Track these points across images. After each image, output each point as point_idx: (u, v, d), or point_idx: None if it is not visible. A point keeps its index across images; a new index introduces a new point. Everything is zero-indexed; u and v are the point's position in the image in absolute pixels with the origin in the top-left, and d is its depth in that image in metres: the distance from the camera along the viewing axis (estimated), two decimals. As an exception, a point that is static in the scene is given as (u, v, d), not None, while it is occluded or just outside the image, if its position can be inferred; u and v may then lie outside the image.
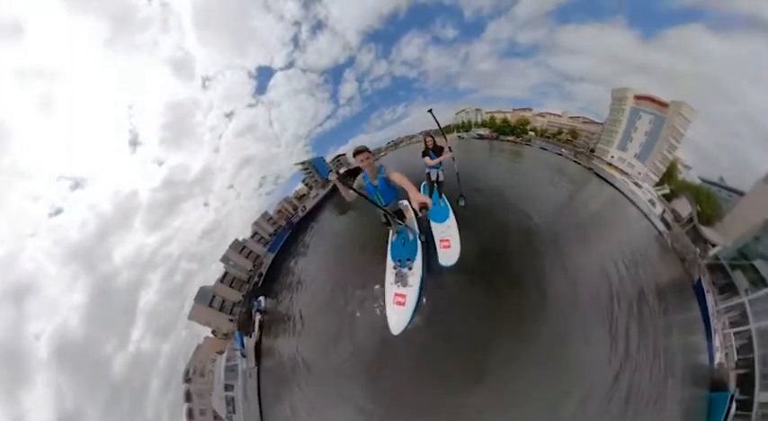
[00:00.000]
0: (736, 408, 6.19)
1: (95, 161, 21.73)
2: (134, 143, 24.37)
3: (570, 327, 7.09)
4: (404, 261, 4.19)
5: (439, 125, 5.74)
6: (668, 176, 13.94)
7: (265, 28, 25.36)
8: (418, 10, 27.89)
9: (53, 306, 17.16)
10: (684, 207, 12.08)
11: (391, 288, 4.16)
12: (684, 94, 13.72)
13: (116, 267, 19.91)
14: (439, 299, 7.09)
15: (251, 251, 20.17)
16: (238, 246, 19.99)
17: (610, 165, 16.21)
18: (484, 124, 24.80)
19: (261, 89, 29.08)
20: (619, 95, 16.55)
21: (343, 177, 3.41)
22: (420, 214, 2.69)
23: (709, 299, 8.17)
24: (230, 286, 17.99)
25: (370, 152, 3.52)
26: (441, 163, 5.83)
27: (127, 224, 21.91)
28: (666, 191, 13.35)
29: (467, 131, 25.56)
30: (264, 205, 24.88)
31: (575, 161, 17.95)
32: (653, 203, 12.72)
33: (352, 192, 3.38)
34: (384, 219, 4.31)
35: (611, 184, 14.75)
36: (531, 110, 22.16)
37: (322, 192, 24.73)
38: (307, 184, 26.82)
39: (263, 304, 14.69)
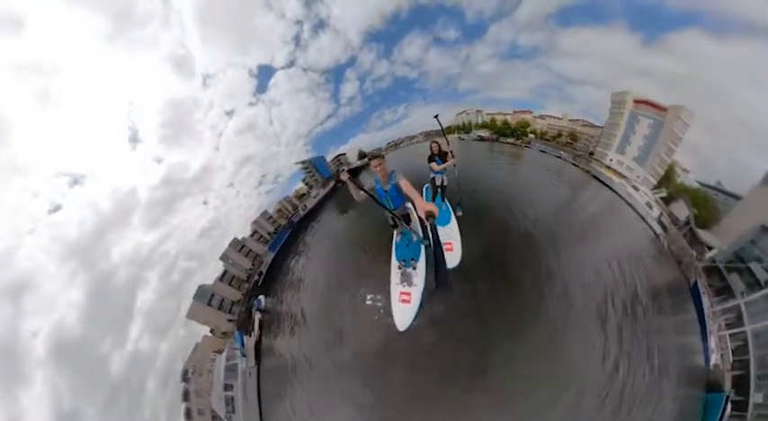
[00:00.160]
0: (732, 409, 6.30)
1: (94, 158, 21.63)
2: (133, 140, 24.27)
3: (567, 328, 7.18)
4: (408, 261, 4.29)
5: (444, 132, 5.81)
6: (666, 180, 14.11)
7: (267, 26, 25.32)
8: (420, 11, 27.98)
9: (51, 303, 17.07)
10: (682, 210, 12.23)
11: (397, 287, 4.26)
12: (684, 98, 13.92)
13: (114, 265, 19.83)
14: (439, 299, 7.14)
15: (250, 250, 20.13)
16: (238, 245, 19.94)
17: (608, 168, 16.37)
18: (484, 126, 24.91)
19: (262, 88, 29.06)
20: (618, 99, 16.72)
21: (354, 177, 3.50)
22: (426, 222, 2.74)
23: (705, 301, 8.28)
24: (229, 285, 17.94)
25: (383, 158, 3.69)
26: (447, 168, 5.89)
27: (125, 222, 21.82)
28: (664, 194, 13.51)
29: (467, 133, 25.66)
30: (264, 204, 24.87)
31: (573, 164, 18.10)
32: (650, 206, 12.86)
33: (362, 192, 3.48)
34: (391, 222, 4.40)
35: (609, 187, 14.89)
36: (531, 112, 22.29)
37: (322, 192, 24.72)
38: (307, 184, 26.80)
39: (263, 303, 14.65)
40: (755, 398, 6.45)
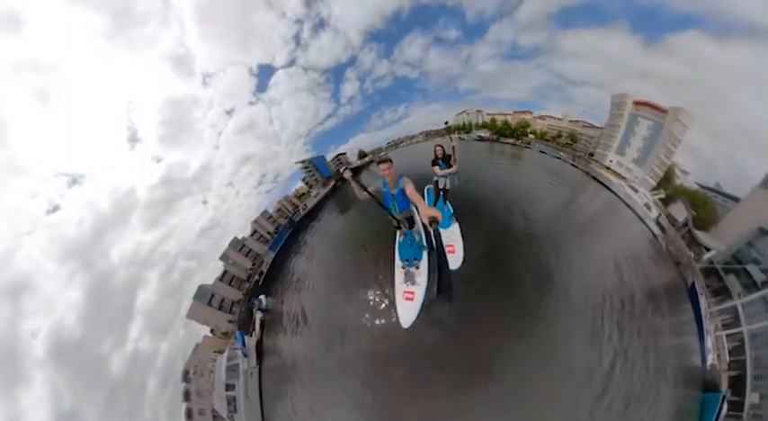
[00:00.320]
0: (728, 409, 6.40)
1: (93, 158, 21.54)
2: (132, 140, 24.17)
3: (565, 328, 7.23)
4: (411, 261, 4.40)
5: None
6: (666, 181, 14.21)
7: (267, 25, 25.22)
8: (421, 10, 27.95)
9: (50, 304, 17.05)
10: (680, 211, 12.32)
11: (401, 286, 4.37)
12: (684, 100, 14.01)
13: (113, 265, 19.79)
14: (439, 300, 7.17)
15: (250, 249, 20.11)
16: (238, 245, 19.92)
17: (608, 169, 16.45)
18: (485, 126, 24.96)
19: (262, 87, 29.01)
20: (618, 101, 16.79)
21: (357, 175, 3.57)
22: (430, 228, 2.78)
23: (703, 301, 8.36)
24: (229, 285, 17.94)
25: (392, 163, 3.78)
26: (450, 169, 5.92)
27: (124, 222, 21.76)
28: (662, 195, 13.60)
29: (467, 133, 25.69)
30: (264, 203, 24.88)
31: (573, 165, 18.16)
32: (649, 207, 12.94)
33: (365, 193, 3.58)
34: (395, 224, 4.48)
35: (608, 188, 14.97)
36: (531, 113, 22.35)
37: (323, 191, 24.71)
38: (307, 183, 26.79)
39: (263, 303, 14.65)
40: (751, 398, 6.54)
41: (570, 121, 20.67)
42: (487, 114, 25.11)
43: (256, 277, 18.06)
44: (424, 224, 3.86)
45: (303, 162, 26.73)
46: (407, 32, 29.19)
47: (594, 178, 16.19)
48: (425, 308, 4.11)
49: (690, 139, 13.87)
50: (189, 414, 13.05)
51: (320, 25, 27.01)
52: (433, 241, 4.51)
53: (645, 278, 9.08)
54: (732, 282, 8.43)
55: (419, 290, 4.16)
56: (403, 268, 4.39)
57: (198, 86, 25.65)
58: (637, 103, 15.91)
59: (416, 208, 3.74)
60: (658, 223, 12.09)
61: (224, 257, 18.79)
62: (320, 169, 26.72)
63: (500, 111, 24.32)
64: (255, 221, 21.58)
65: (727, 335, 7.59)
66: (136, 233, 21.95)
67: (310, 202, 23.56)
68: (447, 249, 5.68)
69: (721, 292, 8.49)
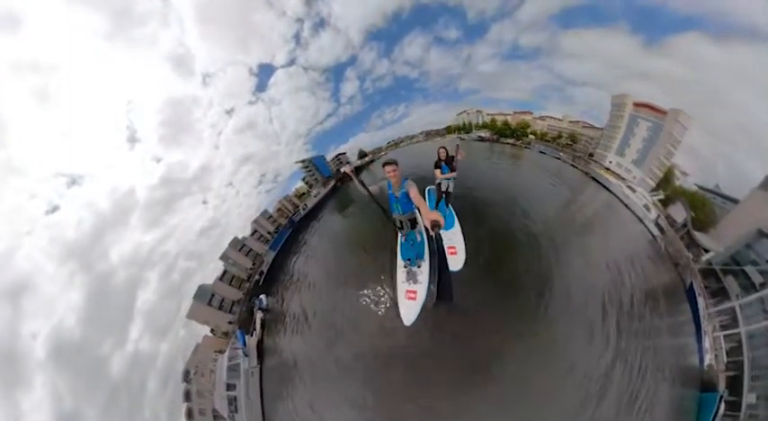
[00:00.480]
0: (725, 409, 6.47)
1: (93, 158, 21.48)
2: (132, 140, 24.09)
3: (564, 327, 7.26)
4: (413, 260, 4.47)
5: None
6: (665, 182, 14.27)
7: (267, 24, 25.13)
8: (422, 10, 27.88)
9: (50, 305, 17.03)
10: (679, 213, 12.39)
11: (403, 285, 4.46)
12: (684, 101, 14.05)
13: (113, 266, 19.78)
14: (445, 298, 7.19)
15: (251, 249, 20.12)
16: (238, 245, 19.92)
17: (607, 169, 16.51)
18: (485, 126, 24.97)
19: (262, 86, 28.93)
20: (618, 102, 16.83)
21: (358, 172, 3.65)
22: (432, 232, 2.83)
23: (701, 302, 8.43)
24: (230, 284, 17.95)
25: (397, 165, 3.82)
26: (453, 173, 5.91)
27: (124, 222, 21.73)
28: (661, 196, 13.67)
29: (467, 133, 25.71)
30: (264, 203, 24.87)
31: (572, 165, 18.21)
32: (648, 208, 13.00)
33: (365, 191, 3.67)
34: (398, 224, 4.53)
35: (608, 189, 15.03)
36: (531, 113, 22.37)
37: (323, 191, 24.71)
38: (307, 183, 26.77)
39: (264, 302, 14.65)
40: (748, 398, 6.61)
41: (570, 122, 20.71)
42: (487, 114, 25.11)
43: (257, 277, 18.08)
44: (426, 227, 3.92)
45: (303, 161, 26.69)
46: (408, 32, 29.17)
47: (594, 179, 16.25)
48: (426, 307, 4.17)
49: (690, 141, 13.93)
50: (189, 414, 13.09)
51: (320, 24, 26.96)
52: (435, 245, 4.57)
53: (644, 278, 9.13)
54: (730, 283, 8.50)
55: (421, 288, 4.23)
56: (405, 267, 4.45)
57: (198, 86, 25.61)
58: (637, 105, 15.97)
59: (419, 211, 3.77)
60: (657, 224, 12.16)
61: (224, 257, 18.79)
62: (320, 169, 26.69)
63: (500, 112, 24.33)
64: (255, 221, 21.57)
65: (724, 336, 7.67)
66: (136, 233, 21.95)
67: (310, 202, 23.55)
68: (449, 251, 5.72)
69: (719, 293, 8.57)
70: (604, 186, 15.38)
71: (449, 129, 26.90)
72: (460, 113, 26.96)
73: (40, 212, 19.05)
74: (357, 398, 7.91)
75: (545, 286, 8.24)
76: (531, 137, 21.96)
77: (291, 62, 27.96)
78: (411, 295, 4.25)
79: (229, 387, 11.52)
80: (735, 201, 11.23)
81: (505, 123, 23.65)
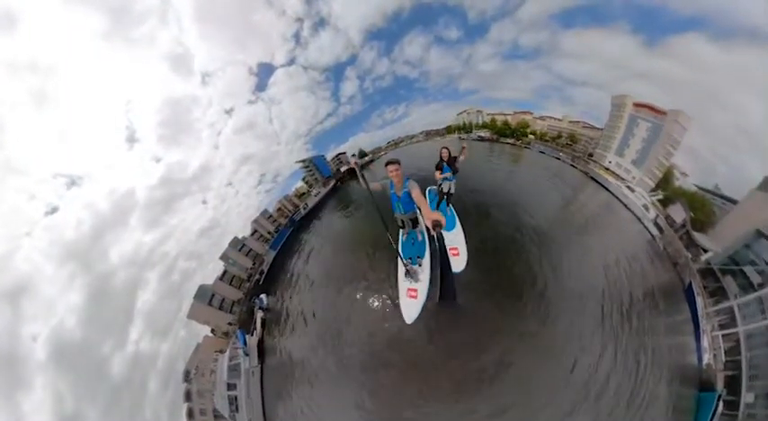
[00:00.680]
0: (723, 408, 6.51)
1: (91, 158, 21.38)
2: (131, 140, 23.98)
3: (563, 328, 7.29)
4: (414, 259, 4.52)
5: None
6: (665, 182, 14.33)
7: (267, 24, 25.02)
8: (422, 9, 27.81)
9: (50, 307, 16.98)
10: (679, 213, 12.45)
11: (404, 283, 4.50)
12: (684, 101, 14.10)
13: (113, 266, 19.74)
14: (447, 298, 7.22)
15: (251, 249, 20.11)
16: (238, 244, 19.91)
17: (606, 169, 16.57)
18: (485, 126, 24.98)
19: (261, 86, 28.82)
20: (618, 102, 16.86)
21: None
22: (433, 232, 2.86)
23: (700, 302, 8.47)
24: (230, 284, 17.96)
25: (400, 164, 3.81)
26: (454, 176, 5.87)
27: (124, 222, 21.68)
28: (660, 196, 13.73)
29: (467, 133, 25.72)
30: (264, 203, 24.86)
31: (572, 165, 18.27)
32: (647, 208, 13.06)
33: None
34: (400, 223, 4.56)
35: (607, 189, 15.08)
36: (531, 113, 22.40)
37: (323, 190, 24.70)
38: (307, 182, 26.74)
39: (265, 302, 14.65)
40: (746, 397, 6.66)
41: (570, 122, 20.75)
42: (488, 114, 25.12)
43: (257, 276, 18.08)
44: (427, 227, 3.96)
45: (303, 161, 26.65)
46: (408, 31, 29.09)
47: (593, 179, 16.32)
48: (428, 307, 4.21)
49: (689, 141, 13.98)
50: (190, 414, 13.11)
51: (320, 24, 26.86)
52: (436, 245, 4.60)
53: (643, 278, 9.19)
54: (729, 283, 8.57)
55: (422, 287, 4.28)
56: (406, 266, 4.49)
57: (197, 86, 25.51)
58: (636, 105, 16.01)
59: (420, 211, 3.81)
60: (656, 224, 12.23)
61: (224, 257, 18.78)
62: (320, 168, 26.66)
63: (500, 112, 24.35)
64: (256, 221, 21.55)
65: (723, 336, 7.72)
66: (135, 234, 21.91)
67: (311, 201, 23.53)
68: (451, 252, 5.72)
69: (718, 293, 8.63)
70: (604, 186, 15.44)
71: (449, 129, 26.90)
72: (460, 113, 26.96)
73: (40, 213, 19.01)
74: (358, 397, 7.93)
75: (545, 286, 8.27)
76: (531, 137, 21.99)
77: (291, 61, 27.90)
78: (412, 293, 4.30)
79: (230, 386, 11.53)
80: (734, 202, 11.31)
81: (505, 123, 23.67)
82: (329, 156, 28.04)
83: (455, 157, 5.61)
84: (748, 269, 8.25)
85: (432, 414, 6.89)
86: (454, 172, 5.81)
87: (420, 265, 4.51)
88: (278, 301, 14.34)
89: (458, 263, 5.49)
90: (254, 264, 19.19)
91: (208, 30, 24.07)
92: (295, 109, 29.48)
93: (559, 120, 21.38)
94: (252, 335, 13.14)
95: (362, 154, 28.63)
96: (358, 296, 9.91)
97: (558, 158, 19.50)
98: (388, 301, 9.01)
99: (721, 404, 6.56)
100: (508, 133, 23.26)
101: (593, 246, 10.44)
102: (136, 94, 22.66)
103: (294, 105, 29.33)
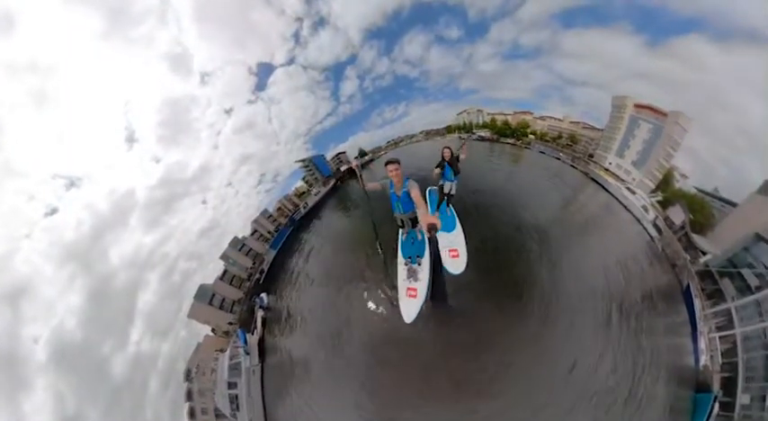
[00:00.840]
0: (719, 409, 6.59)
1: (91, 159, 21.21)
2: (130, 140, 23.82)
3: (562, 328, 7.32)
4: (414, 258, 4.55)
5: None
6: (664, 184, 14.36)
7: (266, 23, 24.82)
8: (422, 8, 27.58)
9: (50, 308, 16.93)
10: (678, 215, 12.48)
11: (404, 283, 4.52)
12: (685, 103, 14.05)
13: (113, 267, 19.73)
14: (440, 298, 7.28)
15: (251, 249, 20.12)
16: (238, 244, 19.92)
17: (606, 170, 16.59)
18: (485, 126, 24.94)
19: (261, 85, 28.60)
20: (618, 103, 16.84)
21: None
22: (428, 235, 2.89)
23: (697, 303, 8.52)
24: (230, 284, 18.00)
25: (399, 164, 3.80)
26: (457, 176, 5.83)
27: (123, 223, 21.63)
28: (659, 198, 13.77)
29: (468, 132, 25.68)
30: (264, 203, 24.78)
31: (572, 166, 18.28)
32: (646, 209, 13.10)
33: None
34: (399, 223, 4.59)
35: (606, 190, 15.10)
36: (531, 113, 22.37)
37: (323, 190, 24.68)
38: (307, 182, 26.71)
39: (265, 301, 14.69)
40: (742, 399, 6.73)
41: (571, 122, 20.72)
42: (488, 114, 25.07)
43: (257, 276, 18.12)
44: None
45: (303, 161, 26.60)
46: (408, 30, 28.85)
47: (593, 180, 16.33)
48: (426, 308, 4.24)
49: (689, 143, 13.98)
50: (192, 413, 13.21)
51: (320, 23, 26.65)
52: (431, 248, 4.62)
53: (641, 279, 9.24)
54: (727, 285, 8.62)
55: (421, 286, 4.34)
56: (405, 265, 4.54)
57: (196, 86, 25.33)
58: (637, 106, 15.99)
59: (417, 212, 3.85)
60: (655, 225, 12.27)
61: (224, 257, 18.81)
62: (320, 168, 26.63)
63: (500, 111, 24.30)
64: (256, 221, 21.56)
65: (720, 337, 7.77)
66: (135, 234, 21.87)
67: (311, 201, 23.53)
68: (451, 254, 5.70)
69: (716, 295, 8.69)
70: (603, 187, 15.47)
71: (449, 129, 26.87)
72: (461, 113, 26.90)
73: (39, 215, 18.89)
74: (358, 396, 7.99)
75: (545, 286, 8.31)
76: (531, 137, 21.98)
77: (291, 61, 27.70)
78: (412, 293, 4.37)
79: (231, 385, 11.59)
80: (733, 205, 11.32)
81: (506, 123, 23.64)
82: (329, 155, 27.98)
83: (457, 157, 5.57)
84: (746, 272, 8.30)
85: (432, 414, 6.94)
86: (456, 172, 5.79)
87: (420, 265, 4.57)
88: (278, 300, 14.39)
89: (458, 264, 5.47)
90: (254, 264, 19.23)
91: (207, 29, 23.90)
92: (294, 108, 29.36)
93: (560, 120, 21.36)
94: (252, 333, 13.20)
95: (362, 153, 28.58)
96: (358, 294, 9.94)
97: (559, 159, 19.51)
98: (388, 301, 9.05)
99: (717, 405, 6.63)
100: (508, 133, 23.23)
101: (593, 246, 10.47)
102: (135, 95, 22.52)
103: (294, 105, 29.20)
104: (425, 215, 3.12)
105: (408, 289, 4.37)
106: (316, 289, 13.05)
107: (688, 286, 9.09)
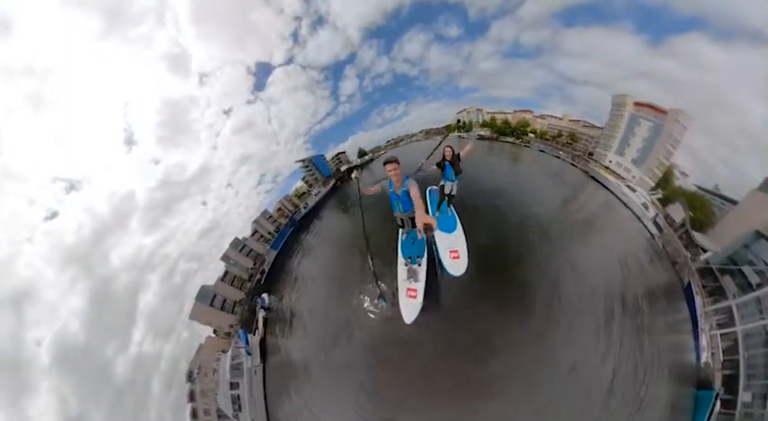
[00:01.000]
0: (721, 407, 6.58)
1: (90, 162, 21.17)
2: (129, 142, 23.78)
3: (563, 327, 7.32)
4: (414, 258, 4.54)
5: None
6: (665, 182, 14.35)
7: (264, 22, 24.74)
8: (422, 7, 27.44)
9: (53, 311, 17.00)
10: (678, 212, 12.47)
11: (404, 283, 4.50)
12: (685, 101, 14.01)
13: (114, 269, 19.76)
14: (438, 298, 7.29)
15: (251, 249, 20.14)
16: (238, 245, 19.93)
17: (606, 168, 16.57)
18: (485, 124, 24.89)
19: (260, 85, 28.51)
20: (618, 101, 16.80)
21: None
22: (424, 235, 2.89)
23: (698, 301, 8.52)
24: (231, 285, 18.03)
25: (398, 163, 3.76)
26: (458, 176, 5.79)
27: (124, 225, 21.65)
28: (659, 195, 13.75)
29: (467, 131, 25.63)
30: (264, 203, 24.77)
31: (572, 164, 18.25)
32: (646, 207, 13.08)
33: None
34: (399, 222, 4.57)
35: (607, 188, 15.08)
36: (531, 112, 22.32)
37: (323, 190, 24.67)
38: (307, 182, 26.68)
39: (266, 301, 14.70)
40: (744, 397, 6.74)
41: (571, 121, 20.68)
42: (488, 113, 25.01)
43: (258, 276, 18.15)
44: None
45: (303, 161, 26.58)
46: (408, 29, 28.72)
47: (593, 178, 16.31)
48: (427, 308, 4.23)
49: (690, 141, 13.96)
50: (194, 414, 13.26)
51: (319, 22, 26.53)
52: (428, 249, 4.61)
53: (642, 277, 9.23)
54: (727, 282, 8.62)
55: (421, 286, 4.33)
56: (406, 265, 4.53)
57: (195, 86, 25.26)
58: (637, 104, 15.96)
59: (415, 211, 3.84)
60: (656, 222, 12.25)
61: (225, 258, 18.83)
62: (320, 168, 26.60)
63: (500, 110, 24.23)
64: (256, 221, 21.57)
65: (721, 335, 7.77)
66: (136, 236, 21.90)
67: (311, 201, 23.53)
68: (451, 255, 5.65)
69: (716, 292, 8.68)
70: (603, 185, 15.44)
71: (449, 128, 26.81)
72: (460, 112, 26.82)
73: (40, 219, 18.89)
74: (359, 396, 8.00)
75: (545, 286, 8.30)
76: (531, 135, 21.94)
77: (290, 61, 27.59)
78: (411, 293, 4.37)
79: (233, 386, 11.63)
80: (733, 202, 11.29)
81: (505, 122, 23.59)
82: (329, 155, 27.93)
83: (458, 155, 5.50)
84: (747, 269, 8.30)
85: (432, 414, 6.96)
86: (457, 172, 5.74)
87: (420, 265, 4.56)
88: (279, 301, 14.41)
89: (458, 266, 5.40)
90: (255, 265, 19.25)
91: (205, 29, 23.82)
92: (294, 108, 29.28)
93: (560, 118, 21.31)
94: (254, 334, 13.23)
95: (362, 153, 28.53)
96: (359, 295, 9.94)
97: (559, 157, 19.47)
98: (389, 299, 9.06)
99: (719, 402, 6.63)
100: (508, 132, 23.19)
101: (593, 244, 10.46)
102: (133, 96, 22.47)
103: (293, 104, 29.13)
104: (422, 215, 3.10)
105: (408, 289, 4.35)
106: (316, 289, 13.07)
107: (689, 283, 9.09)
